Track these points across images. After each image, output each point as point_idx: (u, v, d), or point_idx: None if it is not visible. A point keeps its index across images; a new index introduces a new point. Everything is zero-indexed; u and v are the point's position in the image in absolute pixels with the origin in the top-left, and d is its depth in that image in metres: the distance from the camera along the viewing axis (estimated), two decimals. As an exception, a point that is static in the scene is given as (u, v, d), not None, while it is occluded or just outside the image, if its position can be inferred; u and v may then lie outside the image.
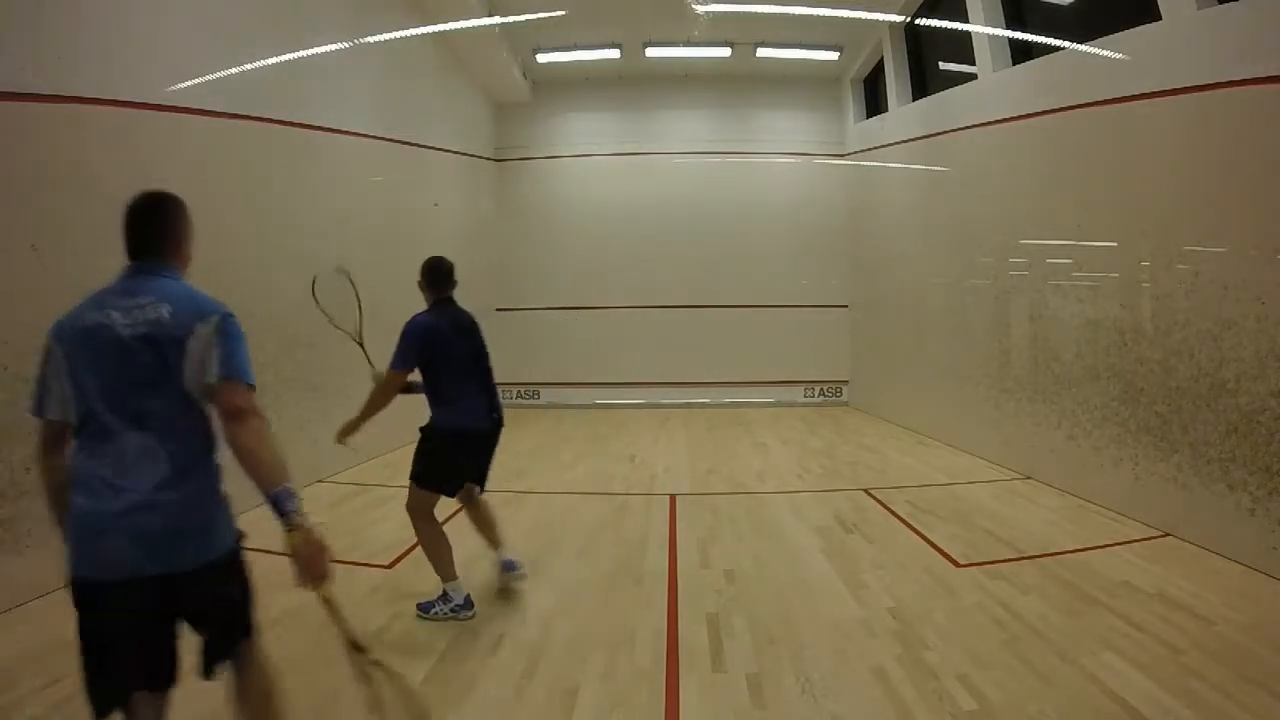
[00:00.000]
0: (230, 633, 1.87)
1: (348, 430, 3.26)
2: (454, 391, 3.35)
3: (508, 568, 3.52)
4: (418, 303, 3.60)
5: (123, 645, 1.64)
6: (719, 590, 3.54)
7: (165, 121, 4.28)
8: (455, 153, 9.58)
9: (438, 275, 3.58)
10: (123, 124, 3.96)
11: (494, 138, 11.30)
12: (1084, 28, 5.48)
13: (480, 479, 3.50)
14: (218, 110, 4.70)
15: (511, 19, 8.78)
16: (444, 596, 3.23)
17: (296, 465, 5.86)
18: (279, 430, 6.01)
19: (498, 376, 3.58)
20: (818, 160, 11.23)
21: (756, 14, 9.03)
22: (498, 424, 3.44)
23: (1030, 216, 6.06)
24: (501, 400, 3.53)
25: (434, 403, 3.39)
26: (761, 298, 11.14)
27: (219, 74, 4.70)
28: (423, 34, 7.90)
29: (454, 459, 3.32)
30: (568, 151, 11.44)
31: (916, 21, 8.43)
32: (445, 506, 3.42)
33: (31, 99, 3.42)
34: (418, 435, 3.41)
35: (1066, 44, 5.53)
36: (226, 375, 1.73)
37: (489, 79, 10.40)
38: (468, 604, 3.24)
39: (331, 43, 6.09)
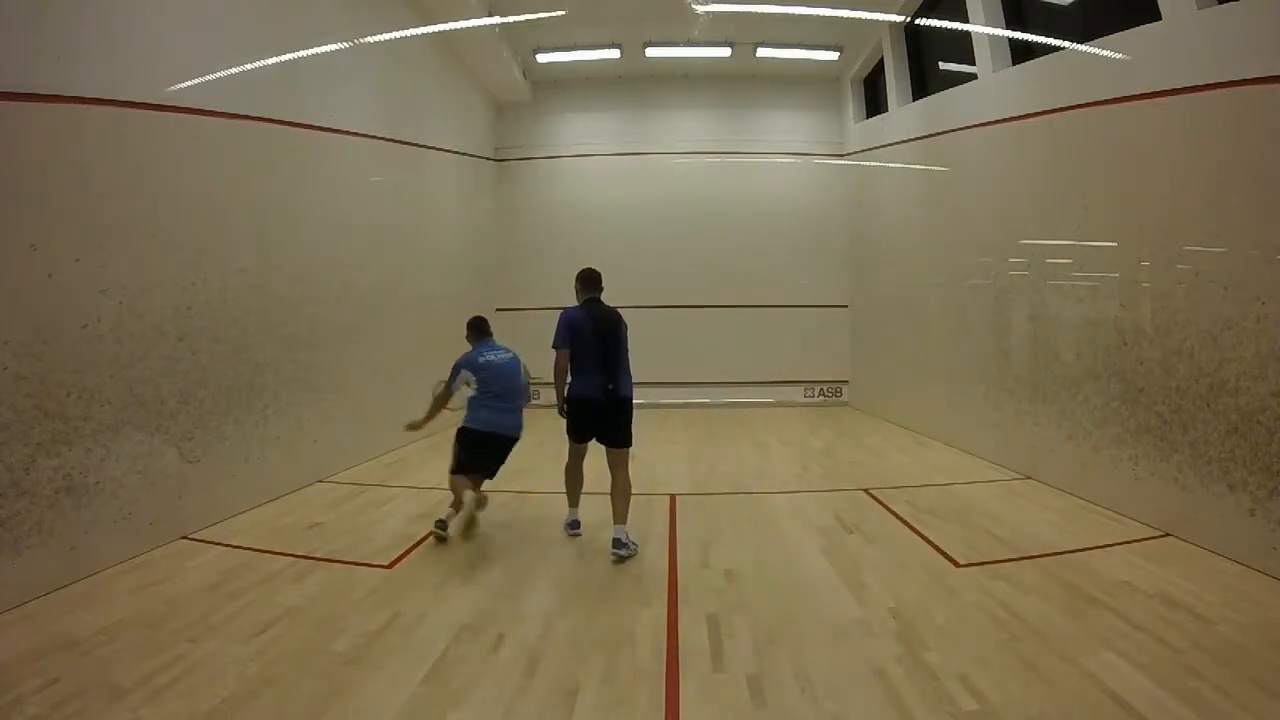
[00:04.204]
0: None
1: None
2: (579, 369, 4.24)
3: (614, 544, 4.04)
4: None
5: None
6: (719, 590, 3.53)
7: (165, 121, 4.27)
8: (455, 153, 9.58)
9: (579, 281, 4.54)
10: (123, 124, 3.96)
11: (494, 138, 11.31)
12: (1084, 28, 5.48)
13: (606, 440, 4.26)
14: (218, 110, 4.70)
15: (511, 19, 8.78)
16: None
17: (296, 465, 5.89)
18: (279, 430, 6.05)
19: None
20: (818, 160, 11.23)
21: (756, 14, 9.04)
22: (611, 396, 4.16)
23: (1030, 216, 6.06)
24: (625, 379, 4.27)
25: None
26: (761, 298, 11.14)
27: (219, 74, 4.69)
28: (422, 34, 7.90)
29: (572, 420, 4.33)
30: (567, 151, 11.44)
31: (916, 21, 8.43)
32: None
33: (31, 99, 3.41)
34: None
35: (1066, 44, 5.53)
36: None
37: (489, 79, 10.40)
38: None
39: (331, 43, 6.08)
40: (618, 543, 4.01)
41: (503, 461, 4.52)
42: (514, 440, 4.51)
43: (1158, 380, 4.50)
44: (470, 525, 4.05)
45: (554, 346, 4.28)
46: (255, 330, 5.12)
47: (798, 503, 5.26)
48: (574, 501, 4.54)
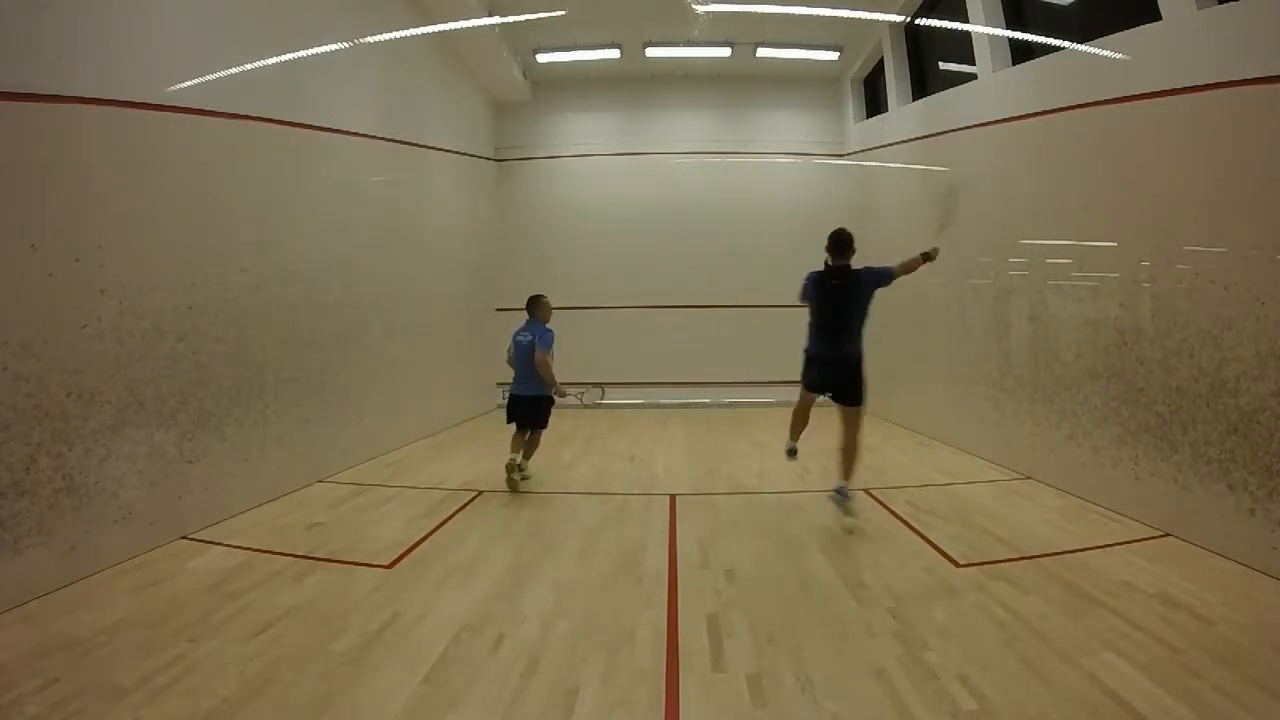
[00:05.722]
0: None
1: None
2: (811, 327, 4.82)
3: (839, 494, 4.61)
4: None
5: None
6: (719, 590, 3.53)
7: (165, 121, 4.27)
8: (455, 153, 9.58)
9: (829, 242, 4.74)
10: (123, 124, 3.96)
11: (494, 138, 11.31)
12: (1084, 28, 5.48)
13: (835, 396, 4.78)
14: (218, 110, 4.70)
15: (511, 19, 8.78)
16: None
17: (296, 465, 5.90)
18: (279, 430, 6.06)
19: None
20: (818, 160, 11.23)
21: (756, 14, 9.04)
22: (837, 354, 4.71)
23: (1030, 216, 6.06)
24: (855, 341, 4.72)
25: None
26: (761, 298, 11.11)
27: (219, 74, 4.69)
28: (423, 34, 7.90)
29: (805, 371, 4.89)
30: (568, 151, 11.44)
31: (916, 21, 8.43)
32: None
33: (31, 99, 3.42)
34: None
35: (1066, 44, 5.53)
36: None
37: (489, 79, 10.40)
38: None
39: (331, 43, 6.08)
40: (839, 490, 4.62)
41: None
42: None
43: (1158, 380, 4.50)
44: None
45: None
46: (255, 330, 5.12)
47: (798, 503, 5.26)
48: (794, 436, 5.10)
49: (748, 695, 2.53)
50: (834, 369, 4.71)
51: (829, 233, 4.73)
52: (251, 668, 2.70)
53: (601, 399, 5.98)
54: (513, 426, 5.67)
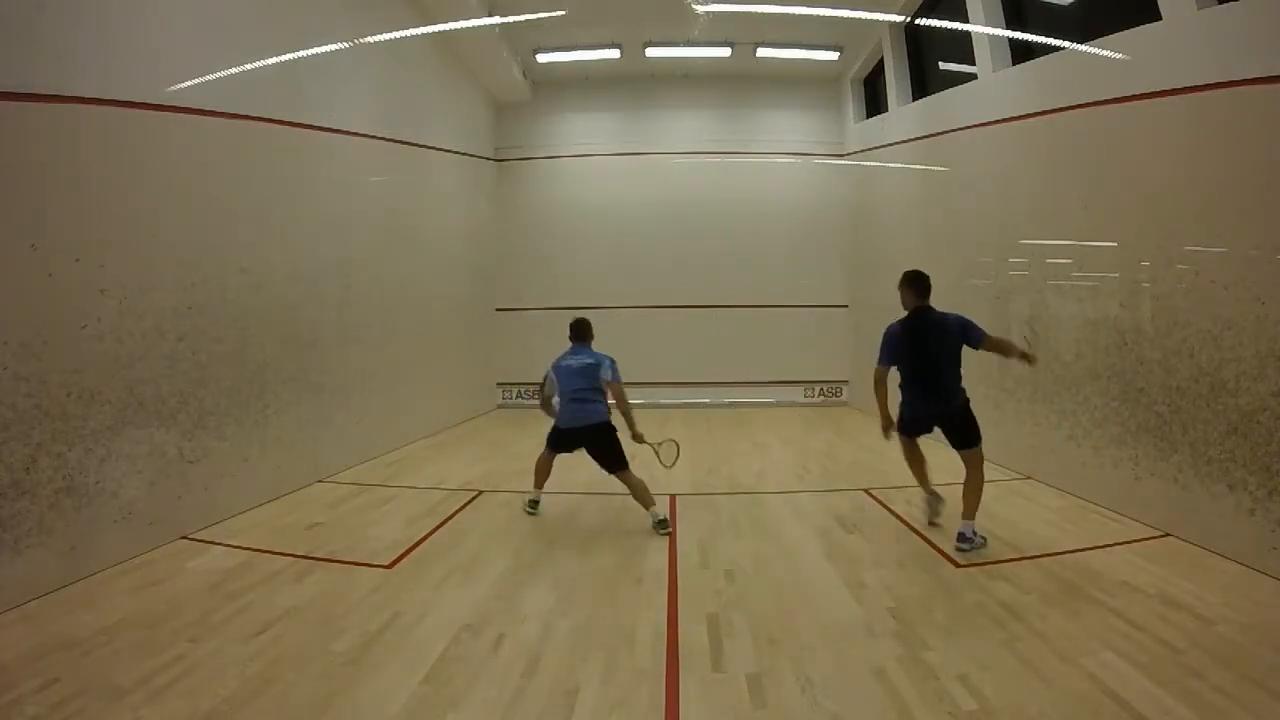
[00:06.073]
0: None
1: None
2: (903, 381, 4.43)
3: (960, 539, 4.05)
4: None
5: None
6: (719, 590, 3.53)
7: (165, 121, 4.27)
8: (455, 153, 9.59)
9: (910, 288, 4.34)
10: (122, 124, 3.96)
11: (494, 138, 11.32)
12: (1084, 28, 5.48)
13: (950, 439, 4.33)
14: (218, 110, 4.70)
15: (511, 19, 8.79)
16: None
17: (296, 465, 5.89)
18: (279, 430, 6.04)
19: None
20: (818, 160, 11.25)
21: (756, 14, 9.05)
22: (938, 410, 4.30)
23: (1030, 216, 6.06)
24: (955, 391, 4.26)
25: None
26: (761, 298, 11.16)
27: (219, 74, 4.70)
28: (423, 34, 7.91)
29: (903, 413, 4.49)
30: (568, 151, 11.46)
31: (916, 21, 8.43)
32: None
33: (31, 99, 3.42)
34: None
35: (1066, 44, 5.53)
36: None
37: (489, 79, 10.41)
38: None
39: (331, 43, 6.09)
40: (961, 536, 4.02)
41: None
42: None
43: (1158, 380, 4.50)
44: None
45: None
46: (255, 330, 5.12)
47: (798, 503, 5.26)
48: (921, 482, 4.67)
49: (748, 695, 2.53)
50: (937, 422, 4.34)
51: (905, 276, 4.33)
52: (251, 668, 2.70)
53: (676, 459, 5.21)
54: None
